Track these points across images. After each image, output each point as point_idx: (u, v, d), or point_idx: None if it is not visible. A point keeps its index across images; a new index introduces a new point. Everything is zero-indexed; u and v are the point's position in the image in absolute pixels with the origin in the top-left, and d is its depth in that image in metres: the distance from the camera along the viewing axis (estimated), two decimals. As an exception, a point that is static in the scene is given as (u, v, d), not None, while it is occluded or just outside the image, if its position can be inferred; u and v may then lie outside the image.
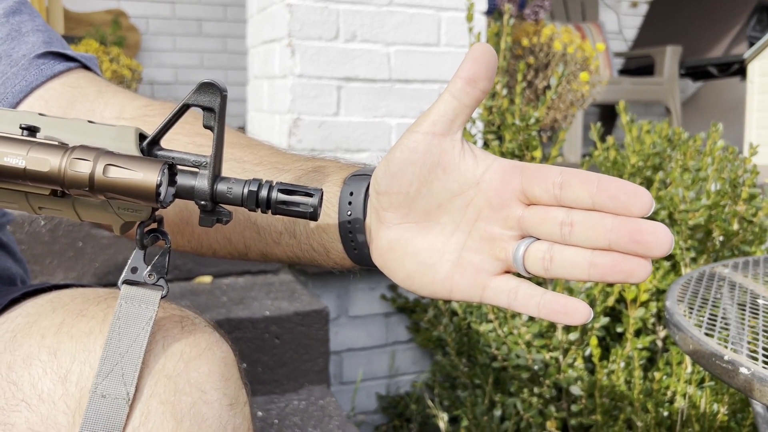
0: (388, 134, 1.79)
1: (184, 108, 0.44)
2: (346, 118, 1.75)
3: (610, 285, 1.37)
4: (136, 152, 0.45)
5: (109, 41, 3.38)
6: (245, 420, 0.49)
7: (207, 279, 1.58)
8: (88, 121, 0.46)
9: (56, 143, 0.43)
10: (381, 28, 1.74)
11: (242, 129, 2.23)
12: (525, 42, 2.15)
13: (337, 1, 1.69)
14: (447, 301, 1.59)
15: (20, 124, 0.44)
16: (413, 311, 1.84)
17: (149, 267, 0.47)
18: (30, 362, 0.47)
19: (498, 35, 1.49)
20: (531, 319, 1.35)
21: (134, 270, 0.47)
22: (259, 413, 1.30)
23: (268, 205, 0.45)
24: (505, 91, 1.50)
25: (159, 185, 0.42)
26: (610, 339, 1.42)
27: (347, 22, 1.71)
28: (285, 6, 1.67)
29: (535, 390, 1.33)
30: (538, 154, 1.46)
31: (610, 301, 1.31)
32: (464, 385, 1.55)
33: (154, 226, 0.48)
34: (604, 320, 1.30)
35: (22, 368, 0.47)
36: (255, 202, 0.45)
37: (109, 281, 1.48)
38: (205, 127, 0.44)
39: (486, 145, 1.52)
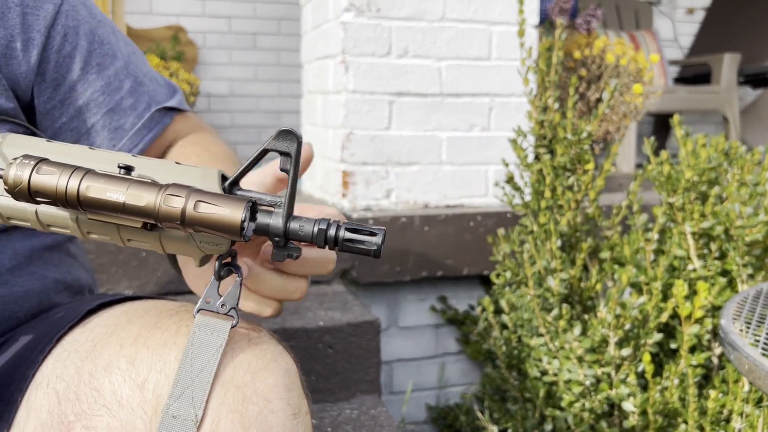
0: (438, 147, 1.81)
1: (264, 152, 0.48)
2: (398, 132, 1.78)
3: (665, 300, 1.35)
4: (219, 192, 0.50)
5: (169, 56, 3.50)
6: (307, 429, 0.52)
7: (262, 289, 1.62)
8: (176, 162, 0.51)
9: (151, 181, 0.47)
10: (433, 44, 1.77)
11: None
12: (577, 54, 2.14)
13: (390, 18, 1.72)
14: (497, 315, 1.60)
15: (118, 164, 0.49)
16: (462, 323, 1.85)
17: (222, 298, 0.51)
18: (110, 370, 0.51)
19: (550, 50, 1.49)
20: (583, 333, 1.35)
21: (208, 300, 0.50)
22: (313, 421, 1.34)
23: (335, 243, 0.48)
24: (556, 105, 1.51)
25: (243, 221, 0.46)
26: (663, 355, 1.41)
27: (399, 38, 1.74)
28: (339, 24, 1.72)
29: (587, 405, 1.33)
30: (590, 167, 1.46)
31: (664, 317, 1.30)
32: (514, 398, 1.55)
33: (228, 260, 0.52)
34: (658, 336, 1.29)
35: (103, 376, 0.51)
36: (324, 240, 0.48)
37: (170, 290, 1.54)
38: (282, 170, 0.48)
39: (537, 158, 1.52)
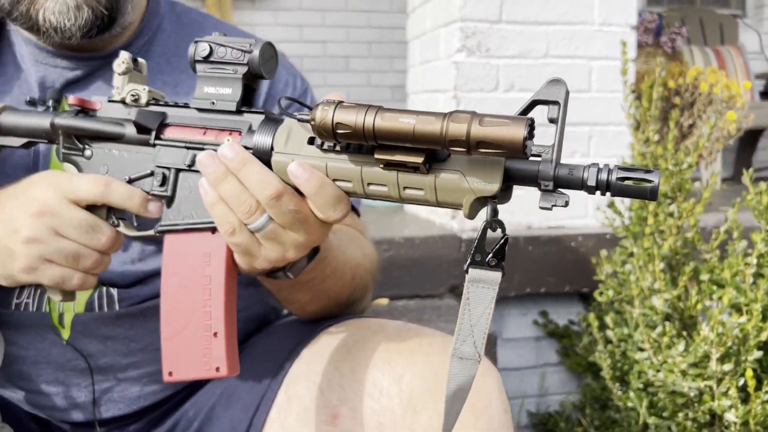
0: (541, 173, 1.96)
1: (534, 103, 0.51)
2: (504, 159, 1.94)
3: (764, 320, 1.46)
4: None
5: (270, 80, 3.77)
6: (511, 426, 0.69)
7: (384, 301, 1.81)
8: None
9: (438, 112, 0.51)
10: (537, 79, 1.92)
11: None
12: (671, 84, 2.25)
13: (498, 57, 1.89)
14: (601, 330, 1.74)
15: None
16: (563, 336, 2.00)
17: (491, 253, 0.53)
18: (369, 367, 0.70)
19: (651, 87, 1.63)
20: (686, 349, 1.48)
21: (477, 256, 0.53)
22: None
23: (607, 187, 0.48)
24: (656, 137, 1.64)
25: (525, 138, 0.47)
26: (762, 371, 1.51)
27: (506, 75, 1.90)
28: (451, 63, 1.90)
29: (690, 415, 1.45)
30: (688, 189, 1.59)
31: (764, 336, 1.41)
32: (617, 407, 1.69)
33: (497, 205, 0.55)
34: (758, 354, 1.41)
35: (363, 371, 0.70)
36: (596, 183, 0.48)
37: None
38: (550, 120, 0.49)
39: (639, 187, 1.65)
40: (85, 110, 0.69)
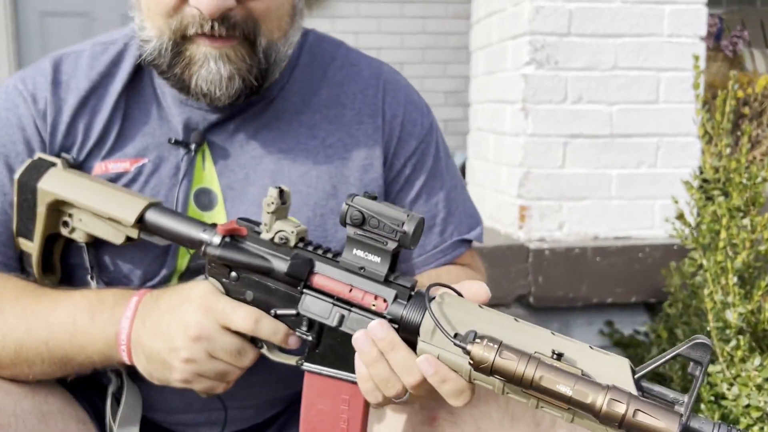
0: (608, 183, 1.98)
1: (674, 357, 0.55)
2: (571, 170, 1.96)
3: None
4: (632, 387, 0.56)
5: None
6: None
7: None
8: (591, 347, 0.59)
9: (592, 380, 0.55)
10: (605, 90, 1.94)
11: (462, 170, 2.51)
12: (740, 93, 2.24)
13: (566, 69, 1.91)
14: (670, 341, 1.75)
15: (552, 350, 0.57)
16: (628, 346, 2.01)
17: None
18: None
19: (724, 101, 1.63)
20: (761, 363, 1.48)
21: None
22: None
23: None
24: (728, 150, 1.64)
25: None
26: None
27: (575, 87, 1.93)
28: (520, 75, 1.93)
29: (765, 429, 1.46)
30: (762, 203, 1.58)
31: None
32: (687, 418, 1.69)
33: None
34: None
35: (489, 427, 0.73)
36: None
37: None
38: (690, 375, 0.54)
39: (711, 200, 1.66)
40: (233, 237, 0.72)
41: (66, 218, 0.81)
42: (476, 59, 2.36)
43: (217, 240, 0.72)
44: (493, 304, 1.85)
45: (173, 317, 0.71)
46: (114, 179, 0.82)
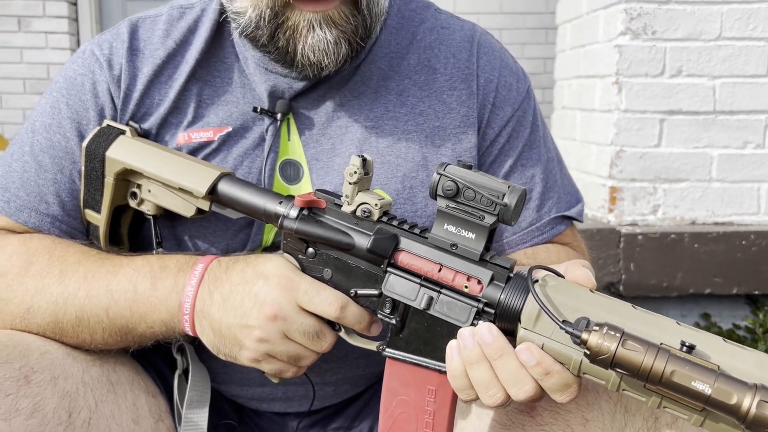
0: (708, 164, 1.82)
1: None
2: (667, 149, 1.81)
3: None
4: None
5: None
6: None
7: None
8: (724, 340, 0.51)
9: (736, 378, 0.47)
10: (707, 62, 1.78)
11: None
12: None
13: (665, 40, 1.77)
14: (766, 334, 1.59)
15: (682, 341, 0.49)
16: (727, 341, 1.85)
17: None
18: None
19: None
20: None
21: None
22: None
23: None
24: None
25: None
26: None
27: (673, 59, 1.77)
28: (613, 47, 1.79)
29: None
30: None
31: None
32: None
33: None
34: None
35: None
36: None
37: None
38: None
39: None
40: (311, 210, 0.67)
41: (134, 189, 0.76)
42: (563, 33, 2.22)
43: (294, 213, 0.67)
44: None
45: (247, 292, 0.65)
46: (197, 149, 0.77)
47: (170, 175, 0.73)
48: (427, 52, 0.82)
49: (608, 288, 1.79)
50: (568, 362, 0.54)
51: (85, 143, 0.76)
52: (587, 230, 1.75)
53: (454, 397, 0.62)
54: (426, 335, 0.61)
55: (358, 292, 0.64)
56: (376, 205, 0.64)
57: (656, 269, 1.76)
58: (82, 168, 0.77)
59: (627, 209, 1.83)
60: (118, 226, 0.79)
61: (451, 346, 0.58)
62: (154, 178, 0.74)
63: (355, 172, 0.64)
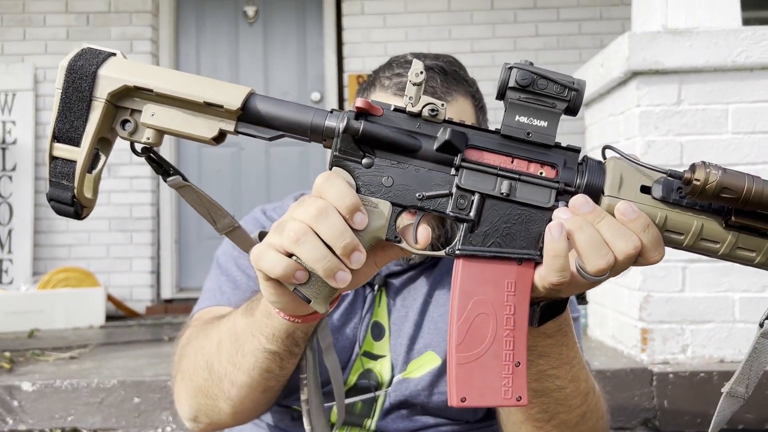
0: (731, 307, 2.00)
1: None
2: (691, 293, 2.01)
3: None
4: None
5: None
6: None
7: None
8: None
9: None
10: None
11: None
12: None
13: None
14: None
15: None
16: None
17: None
18: None
19: None
20: None
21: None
22: None
23: None
24: None
25: None
26: None
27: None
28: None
29: None
30: None
31: None
32: None
33: None
34: None
35: None
36: None
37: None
38: None
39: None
40: (367, 115, 0.63)
41: (126, 117, 0.63)
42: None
43: (352, 118, 0.62)
44: (617, 427, 1.90)
45: None
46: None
47: (193, 90, 0.62)
48: None
49: (645, 424, 1.94)
50: (654, 219, 0.61)
51: (65, 62, 0.62)
52: (621, 370, 1.93)
53: (533, 287, 0.63)
54: (504, 225, 0.62)
55: (425, 194, 0.63)
56: (443, 104, 0.63)
57: (689, 405, 1.91)
58: (58, 90, 0.62)
59: (658, 349, 2.00)
60: (92, 167, 0.64)
61: (552, 225, 0.60)
62: (171, 95, 0.62)
63: (421, 72, 0.61)
